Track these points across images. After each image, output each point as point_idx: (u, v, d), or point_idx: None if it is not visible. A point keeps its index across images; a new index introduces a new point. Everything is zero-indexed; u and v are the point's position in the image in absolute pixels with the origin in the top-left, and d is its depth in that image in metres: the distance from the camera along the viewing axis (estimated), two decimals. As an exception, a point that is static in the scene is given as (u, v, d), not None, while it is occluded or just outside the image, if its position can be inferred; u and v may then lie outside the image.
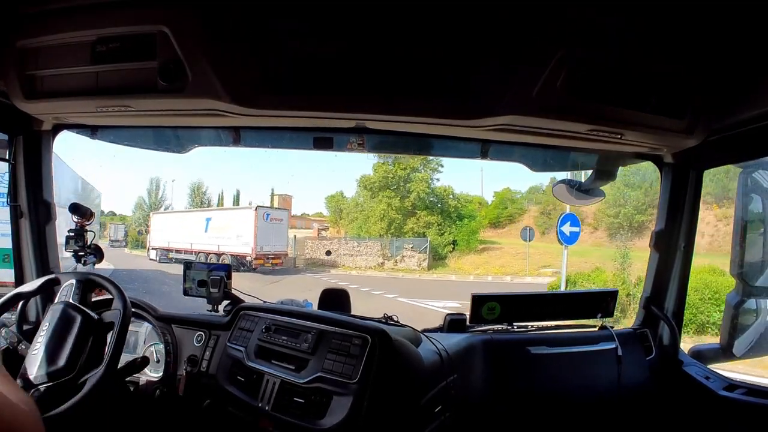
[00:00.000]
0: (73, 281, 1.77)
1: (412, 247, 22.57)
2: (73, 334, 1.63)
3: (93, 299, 1.83)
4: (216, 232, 21.08)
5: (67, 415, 1.49)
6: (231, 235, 20.49)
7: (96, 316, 1.70)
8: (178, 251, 22.23)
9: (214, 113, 1.79)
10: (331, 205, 29.84)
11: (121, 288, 1.77)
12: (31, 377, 1.54)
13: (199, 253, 21.22)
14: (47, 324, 1.64)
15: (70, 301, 1.71)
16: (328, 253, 19.28)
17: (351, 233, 26.24)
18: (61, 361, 1.58)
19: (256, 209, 20.39)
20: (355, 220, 26.31)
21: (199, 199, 30.87)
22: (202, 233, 21.65)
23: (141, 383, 2.09)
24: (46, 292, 1.86)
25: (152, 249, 23.66)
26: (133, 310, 1.80)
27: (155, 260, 22.79)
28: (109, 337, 1.66)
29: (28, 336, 1.74)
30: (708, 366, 2.19)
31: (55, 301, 1.73)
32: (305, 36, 1.55)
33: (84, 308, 1.71)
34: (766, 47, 1.51)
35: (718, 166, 2.18)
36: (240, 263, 19.49)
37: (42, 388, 1.54)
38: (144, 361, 1.93)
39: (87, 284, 1.78)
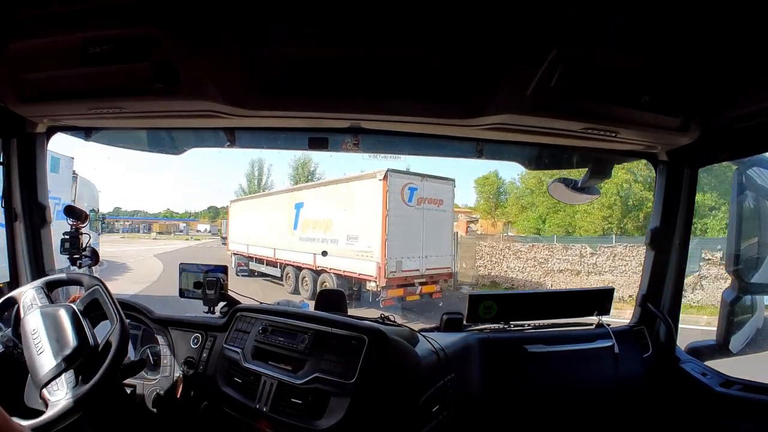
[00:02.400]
0: (32, 291, 1.75)
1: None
2: (68, 321, 1.62)
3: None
4: (310, 230, 12.46)
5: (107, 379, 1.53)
6: (336, 235, 11.44)
7: (75, 306, 1.69)
8: (259, 260, 15.03)
9: (208, 114, 1.79)
10: (483, 189, 21.22)
11: (121, 313, 1.75)
12: (48, 370, 1.52)
13: (286, 265, 13.31)
14: (35, 327, 1.62)
15: (43, 307, 1.70)
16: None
17: (521, 227, 18.81)
18: (72, 343, 1.57)
19: (385, 177, 10.22)
20: (527, 209, 18.71)
21: (304, 180, 24.81)
22: (289, 231, 13.24)
23: (138, 386, 2.09)
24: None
25: (233, 254, 16.82)
26: (129, 312, 1.80)
27: (235, 268, 15.75)
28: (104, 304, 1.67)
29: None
30: (704, 363, 2.20)
31: (25, 313, 1.71)
32: (299, 37, 1.55)
33: (61, 304, 1.71)
34: (760, 45, 1.52)
35: (713, 164, 2.18)
36: (354, 290, 10.73)
37: (69, 372, 1.53)
38: (141, 364, 1.93)
39: (49, 287, 1.77)
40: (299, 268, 12.66)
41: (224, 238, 20.47)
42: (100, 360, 1.57)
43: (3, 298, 1.76)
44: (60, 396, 1.49)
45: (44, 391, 1.50)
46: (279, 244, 13.61)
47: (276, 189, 19.06)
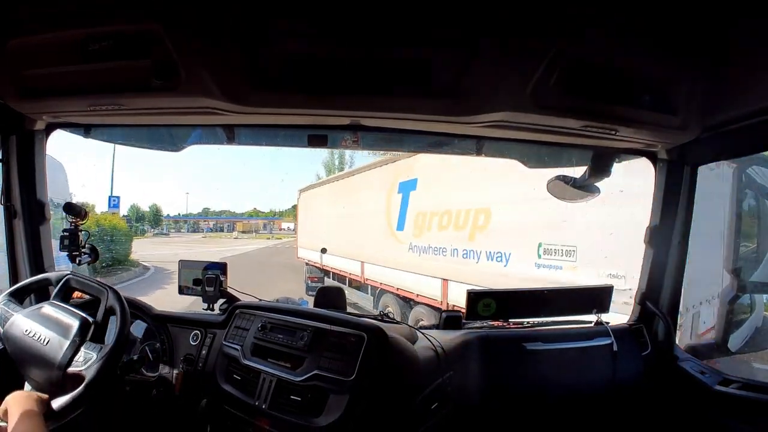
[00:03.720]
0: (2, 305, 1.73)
1: None
2: (57, 310, 1.60)
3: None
4: (434, 231, 6.78)
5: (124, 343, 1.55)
6: (509, 243, 5.47)
7: (54, 300, 1.69)
8: (339, 277, 10.32)
9: (208, 111, 1.79)
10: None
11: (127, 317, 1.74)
12: (65, 351, 1.51)
13: (382, 292, 8.17)
14: (26, 328, 1.61)
15: (21, 311, 1.68)
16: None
17: None
18: (76, 321, 1.56)
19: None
20: None
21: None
22: (389, 233, 7.92)
23: (137, 383, 2.09)
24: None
25: (306, 263, 12.70)
26: (129, 309, 1.79)
27: (305, 283, 11.88)
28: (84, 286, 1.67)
29: None
30: (703, 361, 2.20)
31: (2, 326, 1.70)
32: (299, 34, 1.55)
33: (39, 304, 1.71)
34: (759, 44, 1.52)
35: (713, 162, 2.19)
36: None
37: (87, 343, 1.53)
38: (140, 361, 1.93)
39: (17, 297, 1.76)
40: (409, 301, 7.23)
41: None
42: (108, 328, 1.58)
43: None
44: (92, 360, 1.49)
45: (70, 370, 1.49)
46: (370, 255, 8.43)
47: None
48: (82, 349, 1.51)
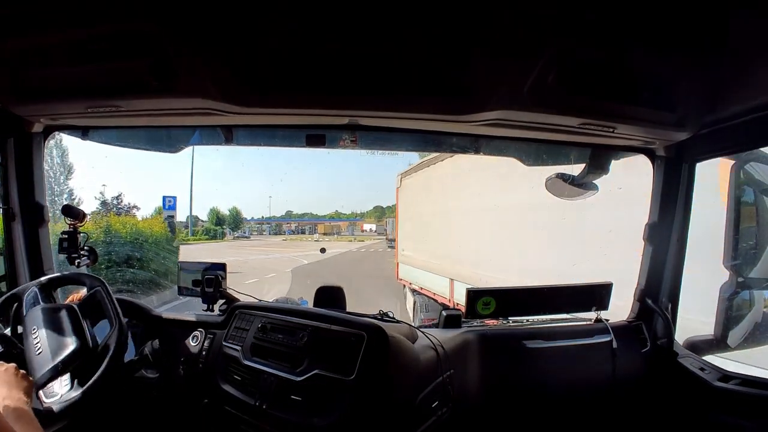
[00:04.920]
0: (35, 289, 1.75)
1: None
2: (67, 322, 1.62)
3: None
4: None
5: (100, 384, 1.52)
6: None
7: (75, 305, 1.70)
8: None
9: (206, 112, 1.79)
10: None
11: (120, 316, 1.75)
12: (45, 371, 1.51)
13: None
14: (35, 326, 1.62)
15: (44, 305, 1.70)
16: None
17: None
18: (71, 345, 1.56)
19: None
20: None
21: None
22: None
23: (137, 384, 2.09)
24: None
25: (410, 289, 9.29)
26: (128, 312, 1.80)
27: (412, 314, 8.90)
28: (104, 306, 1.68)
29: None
30: (702, 357, 2.20)
31: (26, 311, 1.71)
32: (296, 34, 1.54)
33: (62, 304, 1.71)
34: (756, 41, 1.52)
35: (710, 159, 2.18)
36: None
37: (65, 375, 1.53)
38: (140, 362, 1.93)
39: (51, 286, 1.77)
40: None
41: (391, 241, 14.67)
42: (96, 363, 1.57)
43: (5, 296, 1.77)
44: (53, 400, 1.49)
45: (40, 393, 1.50)
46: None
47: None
48: (59, 379, 1.52)
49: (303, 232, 39.67)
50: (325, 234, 38.42)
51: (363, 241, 33.38)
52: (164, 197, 14.07)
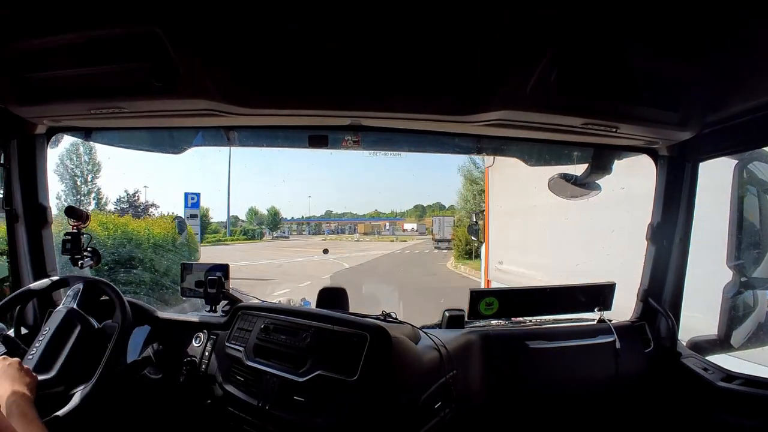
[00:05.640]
0: (80, 286, 1.76)
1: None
2: (71, 342, 1.63)
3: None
4: None
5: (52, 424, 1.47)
6: None
7: (97, 325, 1.71)
8: None
9: (208, 113, 1.79)
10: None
11: (123, 298, 1.77)
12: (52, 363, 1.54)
13: None
14: (47, 329, 1.63)
15: (74, 307, 1.71)
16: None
17: None
18: (53, 371, 1.58)
19: None
20: None
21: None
22: None
23: (141, 384, 2.09)
24: (51, 294, 1.86)
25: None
26: (132, 313, 1.81)
27: None
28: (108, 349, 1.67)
29: (26, 341, 1.74)
30: (706, 357, 2.20)
31: (59, 306, 1.72)
32: (298, 34, 1.55)
33: (86, 316, 1.71)
34: (760, 39, 1.51)
35: (714, 158, 2.18)
36: None
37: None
38: (144, 363, 1.94)
39: (92, 290, 1.78)
40: None
41: (439, 241, 15.36)
42: (101, 347, 1.61)
43: (56, 278, 1.85)
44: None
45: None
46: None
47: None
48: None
49: (342, 232, 38.85)
50: (365, 233, 37.46)
51: (405, 241, 32.18)
52: (186, 194, 12.66)
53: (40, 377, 1.51)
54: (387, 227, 38.48)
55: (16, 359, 1.38)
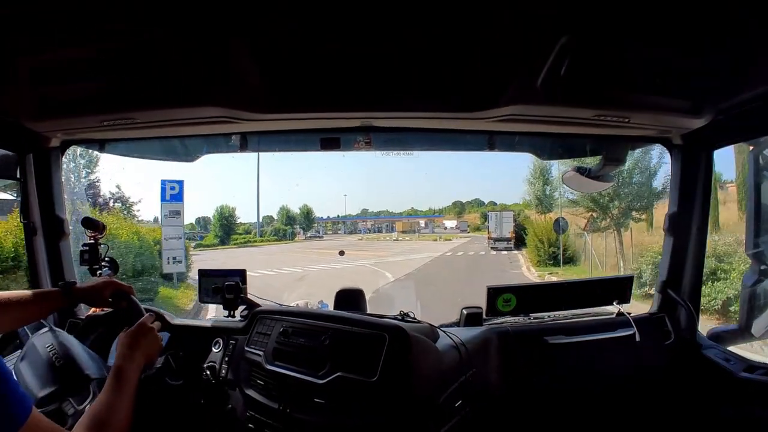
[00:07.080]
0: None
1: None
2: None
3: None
4: None
5: None
6: None
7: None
8: None
9: (219, 120, 1.81)
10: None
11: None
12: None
13: None
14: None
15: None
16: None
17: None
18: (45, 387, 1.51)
19: None
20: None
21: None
22: None
23: (161, 391, 2.11)
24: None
25: None
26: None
27: None
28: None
29: None
30: (727, 348, 2.17)
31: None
32: (307, 38, 1.55)
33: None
34: None
35: (728, 146, 2.16)
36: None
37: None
38: (163, 370, 1.95)
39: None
40: None
41: (496, 240, 13.64)
42: None
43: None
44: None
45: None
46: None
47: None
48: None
49: (379, 231, 36.75)
50: (403, 232, 35.42)
51: (450, 240, 29.91)
52: (163, 182, 10.06)
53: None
54: (424, 225, 36.40)
55: (158, 323, 1.55)
